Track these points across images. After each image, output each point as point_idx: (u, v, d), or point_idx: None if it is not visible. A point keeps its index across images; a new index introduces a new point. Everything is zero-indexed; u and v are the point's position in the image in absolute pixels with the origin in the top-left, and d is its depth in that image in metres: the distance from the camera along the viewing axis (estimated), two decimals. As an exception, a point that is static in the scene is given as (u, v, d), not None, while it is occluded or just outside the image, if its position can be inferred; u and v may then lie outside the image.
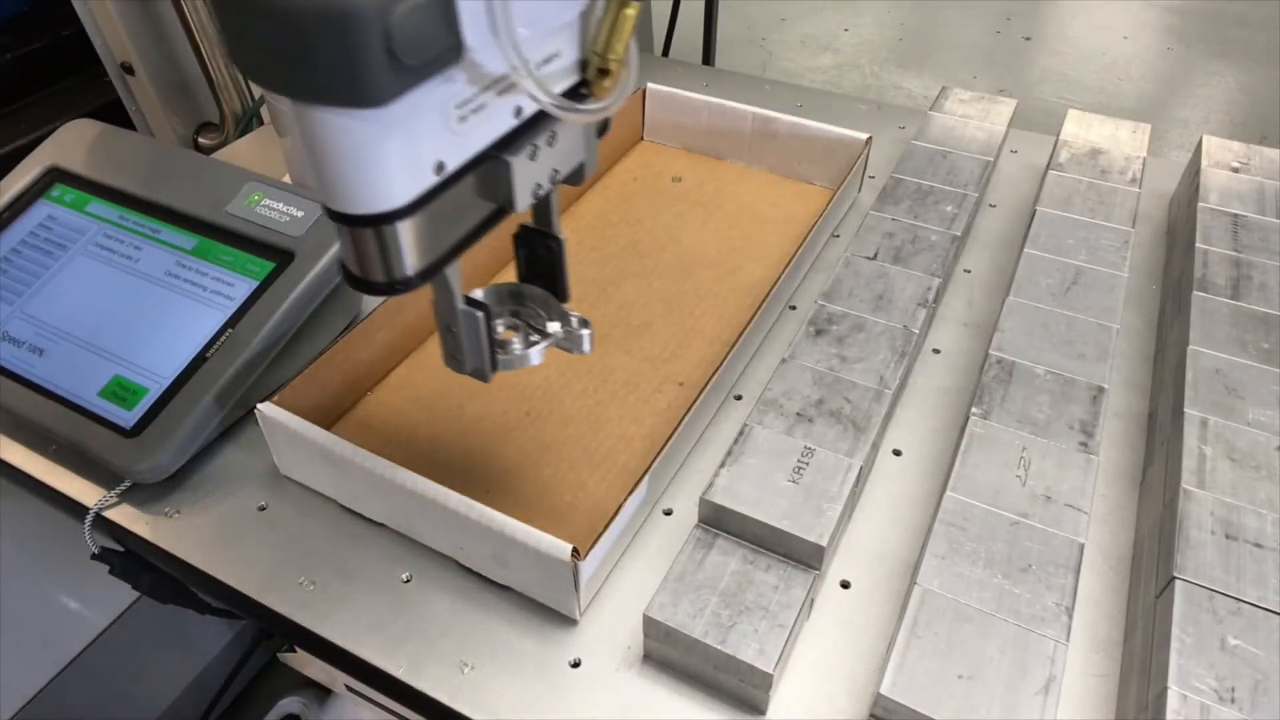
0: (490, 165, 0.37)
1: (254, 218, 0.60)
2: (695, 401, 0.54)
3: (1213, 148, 0.76)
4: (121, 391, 0.55)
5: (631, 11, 0.36)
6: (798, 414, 0.51)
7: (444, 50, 0.30)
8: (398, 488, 0.48)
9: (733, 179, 0.83)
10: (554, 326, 0.46)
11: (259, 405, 0.52)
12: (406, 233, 0.35)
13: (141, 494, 0.55)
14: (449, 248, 0.38)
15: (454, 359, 0.42)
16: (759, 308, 0.61)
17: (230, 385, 0.55)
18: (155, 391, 0.55)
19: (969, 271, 0.73)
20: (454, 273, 0.40)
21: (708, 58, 1.45)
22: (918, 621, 0.42)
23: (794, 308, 0.70)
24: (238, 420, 0.58)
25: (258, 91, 1.07)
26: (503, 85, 0.35)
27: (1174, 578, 0.43)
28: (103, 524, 0.54)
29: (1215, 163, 0.74)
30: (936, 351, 0.65)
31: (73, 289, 0.60)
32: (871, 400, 0.52)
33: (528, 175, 0.38)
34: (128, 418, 0.54)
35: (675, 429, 0.52)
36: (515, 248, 0.45)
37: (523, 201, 0.38)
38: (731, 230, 0.77)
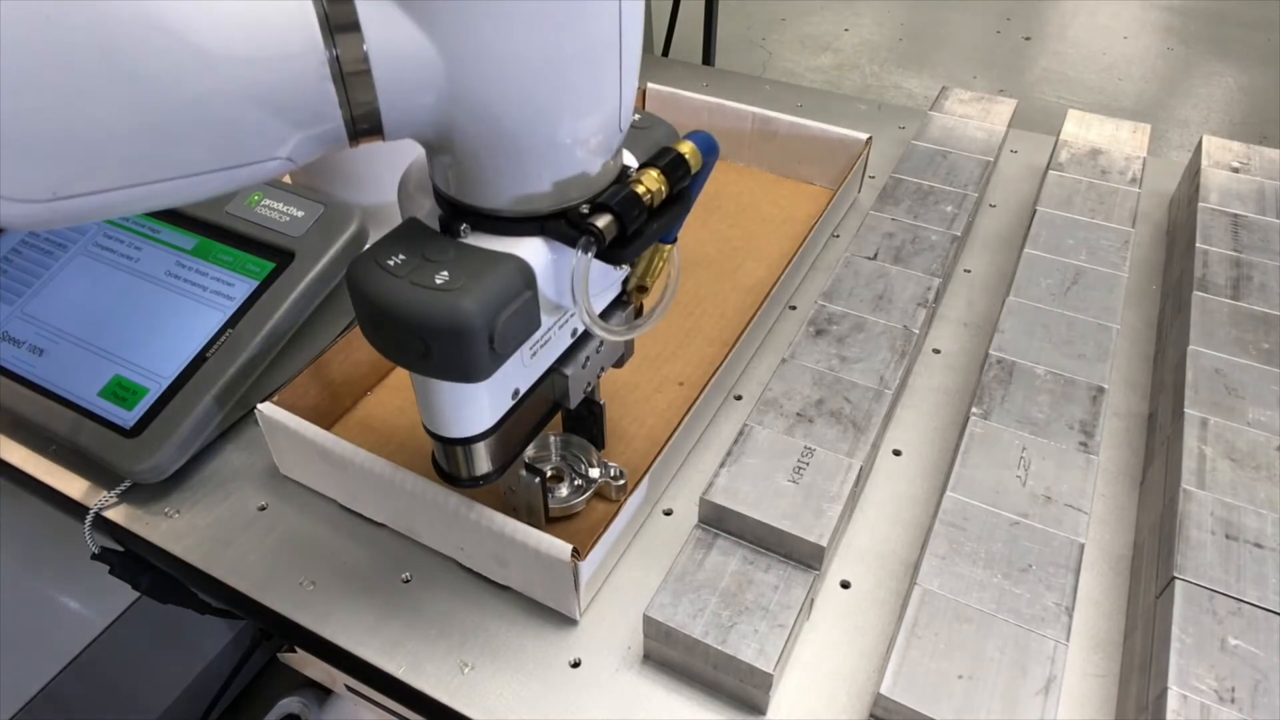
0: (551, 377, 0.45)
1: (254, 218, 0.60)
2: (695, 401, 0.54)
3: (1213, 148, 0.76)
4: (121, 391, 0.55)
5: (667, 250, 0.43)
6: (798, 414, 0.51)
7: (528, 332, 0.38)
8: (398, 488, 0.48)
9: (733, 179, 0.83)
10: (595, 473, 0.53)
11: (259, 405, 0.52)
12: (487, 445, 0.43)
13: (141, 494, 0.55)
14: (517, 445, 0.46)
15: (514, 510, 0.49)
16: (759, 308, 0.61)
17: (230, 385, 0.55)
18: (155, 391, 0.55)
19: (969, 271, 0.73)
20: None
21: (708, 58, 1.45)
22: (918, 621, 0.42)
23: (794, 308, 0.70)
24: (238, 420, 0.58)
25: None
26: (562, 320, 0.43)
27: (1174, 578, 0.43)
28: (103, 524, 0.54)
29: (1215, 163, 0.74)
30: (936, 351, 0.65)
31: (73, 289, 0.60)
32: (871, 400, 0.52)
33: (580, 379, 0.46)
34: (128, 418, 0.54)
35: (675, 429, 0.52)
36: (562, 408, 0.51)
37: (575, 399, 0.46)
38: (731, 230, 0.77)
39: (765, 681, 0.41)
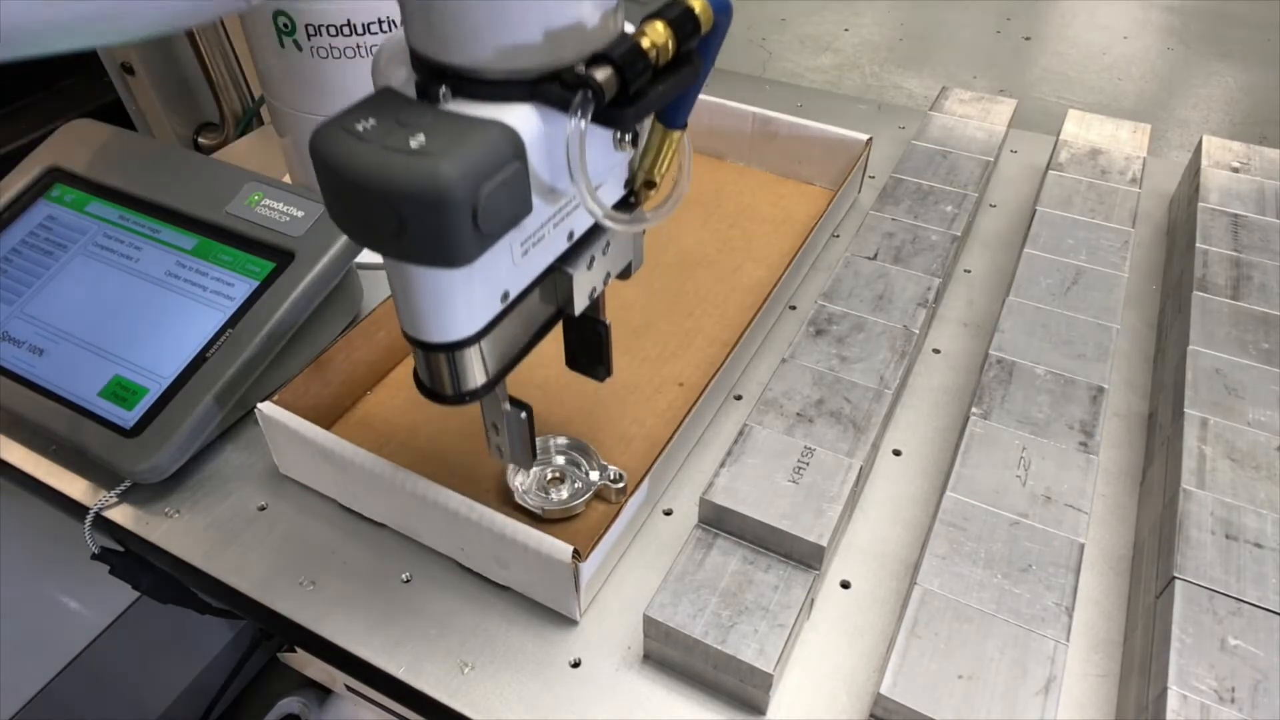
0: (553, 278, 0.41)
1: (254, 218, 0.60)
2: (695, 402, 0.54)
3: (1213, 148, 0.76)
4: (121, 391, 0.55)
5: (676, 136, 0.39)
6: (798, 414, 0.51)
7: (518, 213, 0.33)
8: (398, 488, 0.48)
9: (733, 179, 0.83)
10: (595, 475, 0.52)
11: (259, 405, 0.52)
12: (474, 355, 0.39)
13: (141, 494, 0.55)
14: (510, 360, 0.42)
15: (498, 450, 0.46)
16: (759, 308, 0.61)
17: (230, 385, 0.55)
18: (155, 391, 0.55)
19: (969, 271, 0.73)
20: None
21: (708, 58, 1.45)
22: (918, 621, 0.42)
23: (794, 308, 0.70)
24: (238, 420, 0.58)
25: (258, 91, 1.08)
26: (558, 218, 0.39)
27: (1174, 578, 0.43)
28: (103, 524, 0.54)
29: (1215, 163, 0.74)
30: (936, 351, 0.65)
31: (73, 289, 0.60)
32: (871, 400, 0.52)
33: (585, 283, 0.42)
34: (128, 418, 0.54)
35: (675, 429, 0.52)
36: (564, 329, 0.48)
37: (580, 305, 0.42)
38: (731, 230, 0.77)
39: (765, 681, 0.41)
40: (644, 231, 0.45)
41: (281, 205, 0.60)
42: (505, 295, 0.38)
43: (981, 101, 0.83)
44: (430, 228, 0.31)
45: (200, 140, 1.15)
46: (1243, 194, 0.70)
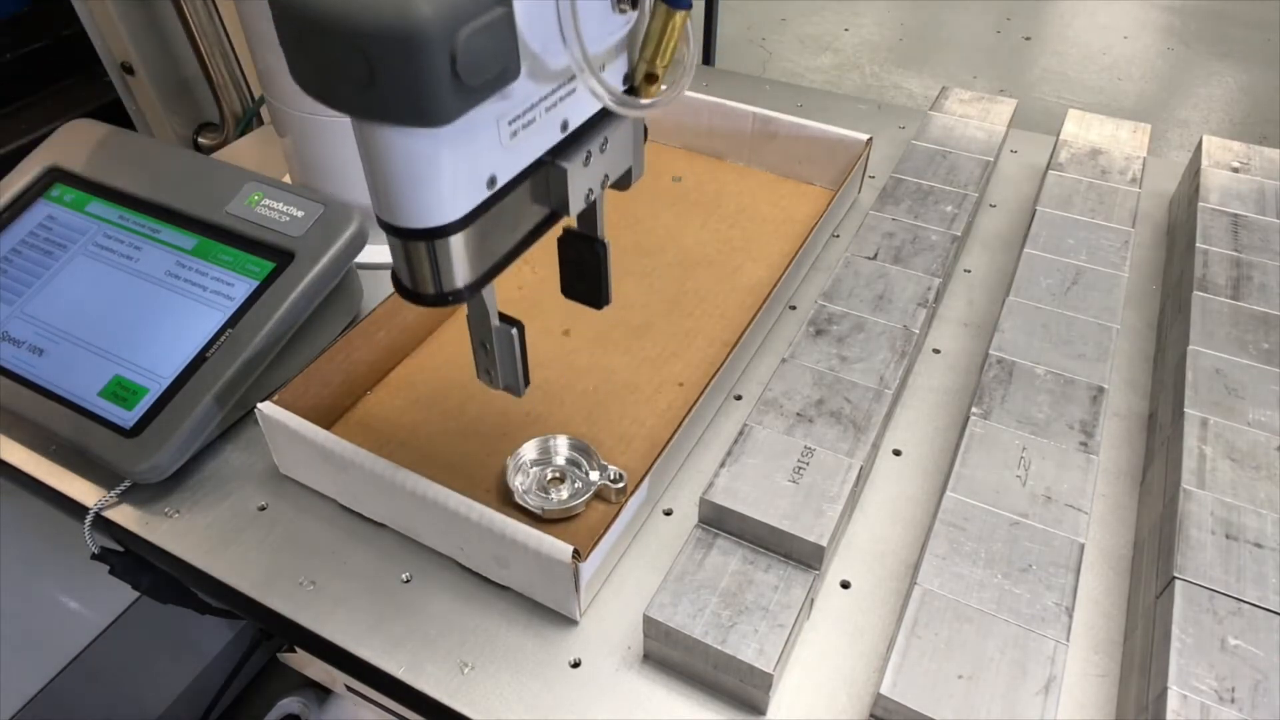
0: (545, 171, 0.37)
1: (254, 218, 0.60)
2: (696, 402, 0.54)
3: (1213, 148, 0.76)
4: (121, 391, 0.55)
5: (680, 19, 0.37)
6: (798, 414, 0.51)
7: (503, 70, 0.31)
8: (398, 488, 0.48)
9: (733, 179, 0.83)
10: (594, 476, 0.52)
11: (259, 405, 0.52)
12: (458, 246, 0.35)
13: (141, 494, 0.55)
14: (498, 259, 0.38)
15: (487, 374, 0.43)
16: (759, 308, 0.61)
17: (230, 385, 0.55)
18: (155, 391, 0.55)
19: (969, 271, 0.73)
20: (490, 291, 0.40)
21: (708, 58, 1.45)
22: (918, 621, 0.42)
23: (794, 308, 0.70)
24: (238, 420, 0.58)
25: (258, 91, 1.08)
26: (550, 101, 0.36)
27: (1174, 578, 0.43)
28: (103, 524, 0.54)
29: (1215, 163, 0.74)
30: (936, 351, 0.65)
31: (73, 289, 0.60)
32: (871, 400, 0.52)
33: (581, 181, 0.39)
34: (128, 418, 0.54)
35: (675, 429, 0.52)
36: (559, 251, 0.45)
37: (576, 206, 0.39)
38: (731, 230, 0.77)
39: (765, 681, 0.41)
40: (645, 136, 0.42)
41: (281, 205, 0.60)
42: (492, 181, 0.35)
43: (981, 101, 0.83)
44: (403, 75, 0.28)
45: (200, 140, 1.15)
46: (1243, 194, 0.70)
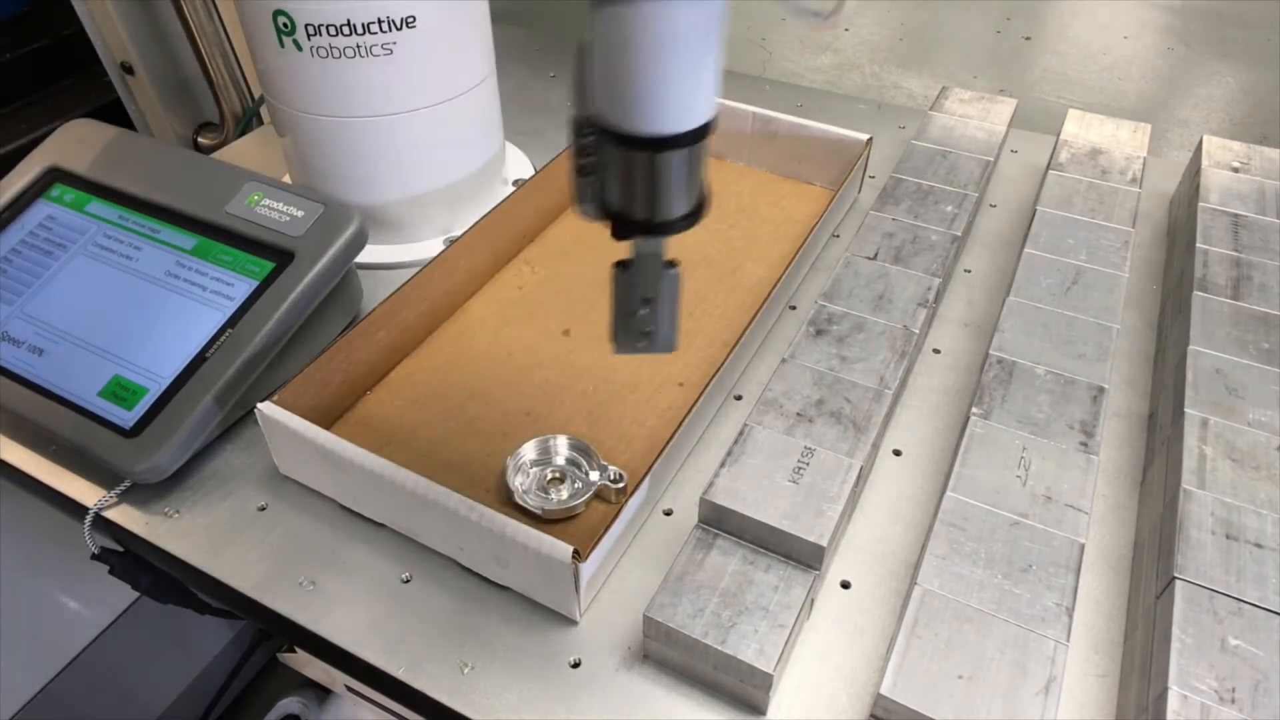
0: None
1: (254, 218, 0.60)
2: (696, 402, 0.54)
3: (1213, 148, 0.76)
4: (121, 391, 0.55)
5: None
6: (798, 414, 0.51)
7: None
8: (398, 488, 0.48)
9: (733, 179, 0.83)
10: (595, 476, 0.52)
11: (259, 405, 0.52)
12: (699, 155, 0.32)
13: (141, 494, 0.55)
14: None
15: (642, 336, 0.39)
16: (759, 308, 0.61)
17: (230, 385, 0.55)
18: (155, 391, 0.55)
19: (969, 271, 0.73)
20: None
21: (707, 58, 1.45)
22: (918, 621, 0.42)
23: (794, 308, 0.70)
24: (238, 420, 0.58)
25: (257, 91, 1.08)
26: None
27: (1174, 578, 0.43)
28: (102, 524, 0.54)
29: (1215, 163, 0.74)
30: (936, 351, 0.65)
31: (73, 289, 0.60)
32: (871, 400, 0.52)
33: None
34: (128, 418, 0.54)
35: (675, 430, 0.52)
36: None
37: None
38: (731, 230, 0.77)
39: (765, 681, 0.41)
40: None
41: (281, 205, 0.60)
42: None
43: (981, 101, 0.83)
44: None
45: (200, 140, 1.15)
46: (1243, 194, 0.70)
